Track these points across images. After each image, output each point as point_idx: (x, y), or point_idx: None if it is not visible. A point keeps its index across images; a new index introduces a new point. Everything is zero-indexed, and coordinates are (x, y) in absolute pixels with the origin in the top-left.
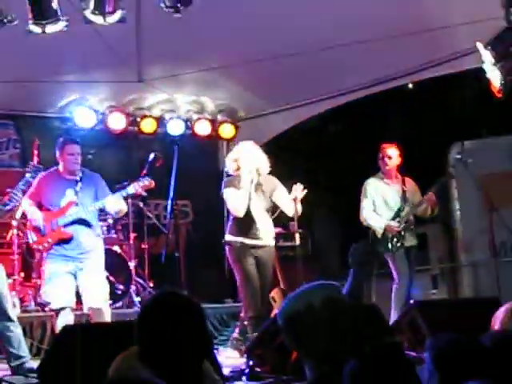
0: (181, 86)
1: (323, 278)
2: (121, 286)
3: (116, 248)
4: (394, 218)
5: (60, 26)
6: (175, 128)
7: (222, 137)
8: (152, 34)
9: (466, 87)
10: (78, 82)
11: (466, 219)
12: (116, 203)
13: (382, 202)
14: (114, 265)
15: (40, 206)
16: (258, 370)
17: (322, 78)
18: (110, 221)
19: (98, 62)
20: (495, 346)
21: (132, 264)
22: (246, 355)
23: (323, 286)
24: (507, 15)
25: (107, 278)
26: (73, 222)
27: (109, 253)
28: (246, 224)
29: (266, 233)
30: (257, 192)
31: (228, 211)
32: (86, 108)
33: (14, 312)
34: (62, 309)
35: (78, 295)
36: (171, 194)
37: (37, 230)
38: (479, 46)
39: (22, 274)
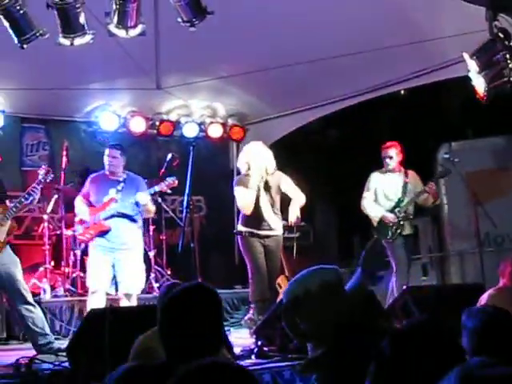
0: (195, 92)
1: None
2: None
3: None
4: (393, 209)
5: (87, 38)
6: (190, 131)
7: (232, 139)
8: (169, 46)
9: (454, 93)
10: (103, 90)
11: (453, 212)
12: (145, 198)
13: (382, 193)
14: None
15: (89, 204)
16: (265, 349)
17: (323, 86)
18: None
19: (120, 72)
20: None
21: (151, 253)
22: (254, 336)
23: (322, 269)
24: (491, 28)
25: None
26: (113, 216)
27: None
28: (255, 217)
29: (274, 224)
30: (265, 188)
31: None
32: (110, 113)
33: (30, 296)
34: (95, 292)
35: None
36: (187, 190)
37: (82, 223)
38: (465, 55)
39: (52, 263)
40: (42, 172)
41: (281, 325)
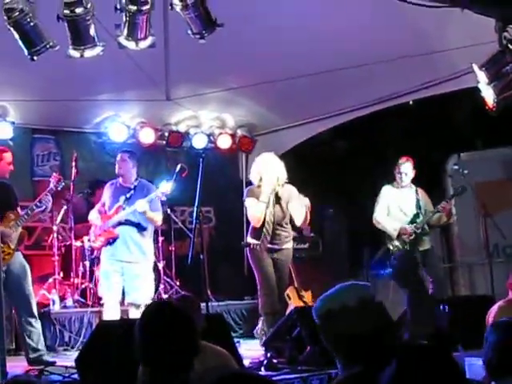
0: (204, 104)
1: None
2: None
3: None
4: (411, 222)
5: (97, 50)
6: (199, 142)
7: (241, 150)
8: (179, 58)
9: (462, 104)
10: (112, 101)
11: (462, 224)
12: (143, 206)
13: (397, 208)
14: None
15: (104, 211)
16: (275, 361)
17: (332, 97)
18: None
19: (130, 83)
20: None
21: (160, 265)
22: (264, 348)
23: (356, 285)
24: (500, 39)
25: None
26: (120, 224)
27: None
28: (262, 229)
29: (284, 237)
30: (275, 201)
31: (247, 217)
32: (119, 124)
33: (35, 307)
34: (108, 302)
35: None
36: (196, 201)
37: (94, 230)
38: (475, 67)
39: (61, 274)
40: (53, 180)
41: (290, 337)
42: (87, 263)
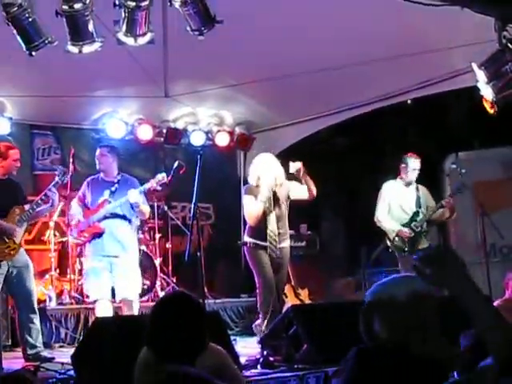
0: (203, 101)
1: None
2: (147, 282)
3: (143, 247)
4: (410, 222)
5: (95, 46)
6: (197, 139)
7: (239, 147)
8: (177, 55)
9: (461, 104)
10: (110, 97)
11: (460, 223)
12: (136, 196)
13: (397, 205)
14: (142, 262)
15: (85, 206)
16: (271, 359)
17: (330, 95)
18: (137, 223)
19: (128, 79)
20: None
21: (157, 262)
22: (260, 345)
23: (411, 278)
24: (499, 38)
25: None
26: (105, 217)
27: None
28: (262, 229)
29: (281, 236)
30: (273, 201)
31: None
32: (117, 120)
33: (35, 304)
34: (99, 301)
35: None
36: (194, 198)
37: (77, 226)
38: (474, 66)
39: (58, 271)
40: (58, 173)
41: (287, 335)
42: (84, 259)
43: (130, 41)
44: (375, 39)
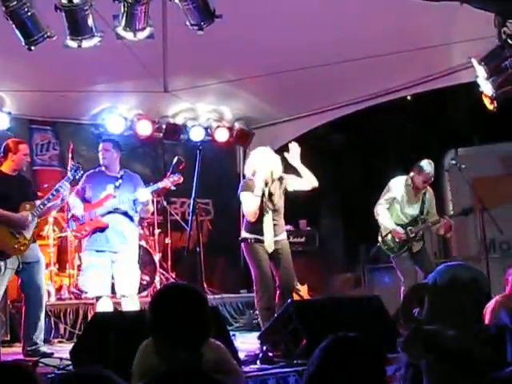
0: (202, 96)
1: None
2: (146, 277)
3: (142, 243)
4: (406, 226)
5: (94, 41)
6: (196, 134)
7: (238, 143)
8: (177, 49)
9: (461, 99)
10: (110, 92)
11: (459, 219)
12: (146, 195)
13: (399, 206)
14: (141, 258)
15: (84, 200)
16: (270, 354)
17: (329, 91)
18: (137, 218)
19: (127, 74)
20: None
21: (157, 257)
22: (259, 341)
23: (461, 266)
24: (499, 34)
25: None
26: (109, 212)
27: None
28: (257, 224)
29: (278, 230)
30: (270, 195)
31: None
32: (117, 115)
33: (44, 301)
34: (98, 297)
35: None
36: (193, 194)
37: (77, 219)
38: (474, 61)
39: (57, 266)
40: (71, 168)
41: (287, 330)
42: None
43: (129, 35)
44: (375, 35)
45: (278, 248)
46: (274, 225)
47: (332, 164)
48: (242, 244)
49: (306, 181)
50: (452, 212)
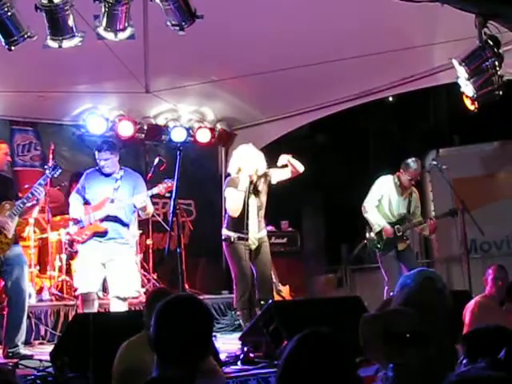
0: (184, 97)
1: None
2: None
3: None
4: (393, 225)
5: (75, 41)
6: (178, 135)
7: (220, 143)
8: (158, 50)
9: (441, 100)
10: (91, 93)
11: (440, 220)
12: (142, 202)
13: (387, 203)
14: None
15: (84, 199)
16: (251, 355)
17: (312, 91)
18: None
19: (108, 75)
20: None
21: (138, 258)
22: (240, 342)
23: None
24: (480, 35)
25: None
26: (108, 217)
27: None
28: (240, 220)
29: (260, 226)
30: (254, 191)
31: (225, 208)
32: (98, 116)
33: (27, 303)
34: (87, 294)
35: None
36: (173, 194)
37: (77, 222)
38: (454, 62)
39: (38, 267)
40: (48, 167)
41: (268, 331)
42: (64, 256)
43: (110, 36)
44: (356, 36)
45: (259, 245)
46: (258, 221)
47: (314, 164)
48: (224, 243)
49: (291, 169)
50: (434, 213)
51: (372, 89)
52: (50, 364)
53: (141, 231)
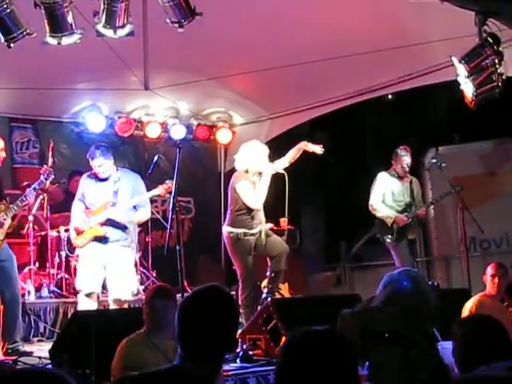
0: (183, 94)
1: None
2: None
3: None
4: (402, 212)
5: (74, 38)
6: (177, 133)
7: (220, 141)
8: (158, 47)
9: (441, 98)
10: (90, 90)
11: (440, 217)
12: (144, 216)
13: (390, 195)
14: None
15: (85, 206)
16: (250, 353)
17: (312, 89)
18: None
19: (108, 72)
20: None
21: (137, 256)
22: (239, 339)
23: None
24: (480, 33)
25: None
26: (109, 220)
27: None
28: (247, 216)
29: (262, 221)
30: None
31: (226, 204)
32: (97, 114)
33: (20, 297)
34: (87, 294)
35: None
36: (173, 192)
37: (80, 232)
38: (454, 60)
39: (37, 264)
40: (43, 172)
41: (267, 328)
42: (63, 253)
43: (109, 33)
44: (356, 33)
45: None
46: (257, 218)
47: (313, 162)
48: (227, 240)
49: (288, 160)
50: (433, 213)
51: (372, 86)
52: (49, 361)
53: (139, 229)
